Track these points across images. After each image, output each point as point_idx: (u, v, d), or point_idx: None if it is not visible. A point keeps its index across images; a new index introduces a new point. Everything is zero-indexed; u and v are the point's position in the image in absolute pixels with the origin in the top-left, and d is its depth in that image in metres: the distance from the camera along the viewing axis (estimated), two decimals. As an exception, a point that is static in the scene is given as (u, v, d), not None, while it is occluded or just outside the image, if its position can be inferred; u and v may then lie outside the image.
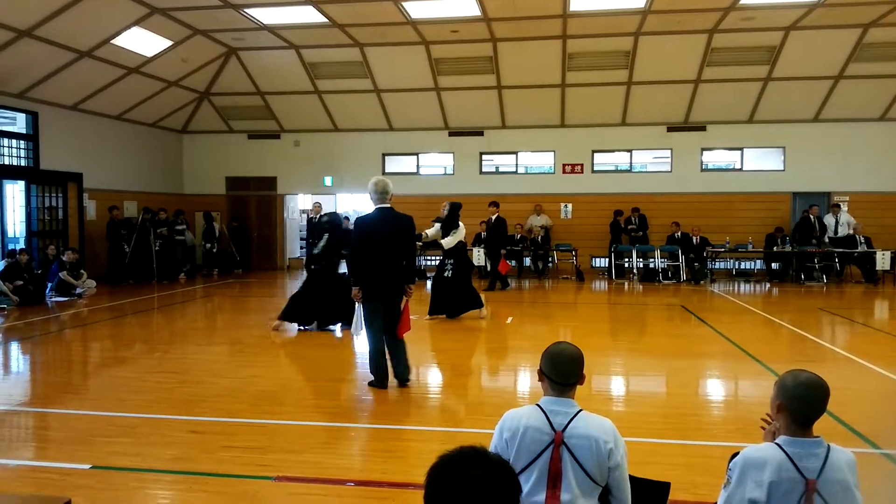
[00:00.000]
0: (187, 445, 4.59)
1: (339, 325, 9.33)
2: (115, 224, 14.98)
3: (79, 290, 12.62)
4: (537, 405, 2.72)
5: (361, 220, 6.12)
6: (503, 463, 1.55)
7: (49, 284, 12.48)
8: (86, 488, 3.86)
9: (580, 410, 2.69)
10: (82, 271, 13.10)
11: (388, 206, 6.08)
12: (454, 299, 10.24)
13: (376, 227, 5.99)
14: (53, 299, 12.26)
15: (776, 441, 2.45)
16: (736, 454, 2.92)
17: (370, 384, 6.15)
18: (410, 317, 6.31)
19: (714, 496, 3.64)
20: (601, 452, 2.59)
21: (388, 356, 6.13)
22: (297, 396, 6.11)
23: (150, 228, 15.47)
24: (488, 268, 14.56)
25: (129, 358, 7.72)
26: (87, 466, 4.16)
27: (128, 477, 4.02)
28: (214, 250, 16.92)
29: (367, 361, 6.17)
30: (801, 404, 2.39)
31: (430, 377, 6.97)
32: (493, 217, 13.77)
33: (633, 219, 16.34)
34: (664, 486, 3.06)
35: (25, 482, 3.96)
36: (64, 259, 12.79)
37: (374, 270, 5.94)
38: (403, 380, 6.16)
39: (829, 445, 2.38)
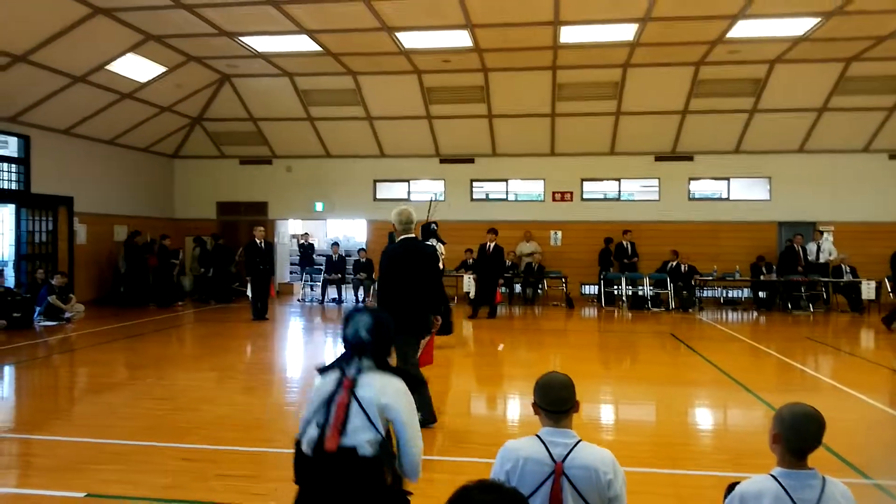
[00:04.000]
0: (180, 473, 4.57)
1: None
2: (135, 248, 15.55)
3: (68, 315, 12.52)
4: (536, 436, 2.76)
5: (387, 252, 5.87)
6: (516, 493, 1.60)
7: (37, 309, 12.38)
8: (80, 517, 3.84)
9: (579, 441, 2.73)
10: (71, 295, 13.02)
11: (413, 236, 5.92)
12: None
13: (400, 260, 5.77)
14: (42, 324, 12.16)
15: (771, 473, 2.49)
16: (732, 485, 2.96)
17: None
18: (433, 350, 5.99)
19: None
20: (601, 483, 2.62)
21: None
22: (290, 423, 6.08)
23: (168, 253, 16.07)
24: (471, 295, 14.43)
25: (120, 384, 7.67)
26: (82, 495, 4.13)
27: (122, 505, 4.01)
28: (210, 275, 16.63)
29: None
30: (797, 435, 2.44)
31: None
32: (492, 245, 13.77)
33: (625, 244, 16.44)
34: (660, 517, 3.10)
35: (18, 511, 3.93)
36: (53, 283, 12.71)
37: (401, 303, 5.70)
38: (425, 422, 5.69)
39: (824, 478, 2.43)
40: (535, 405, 2.82)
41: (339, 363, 2.68)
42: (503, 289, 16.16)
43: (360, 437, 2.51)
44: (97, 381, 7.95)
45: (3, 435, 5.59)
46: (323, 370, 2.72)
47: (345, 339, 2.70)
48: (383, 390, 2.56)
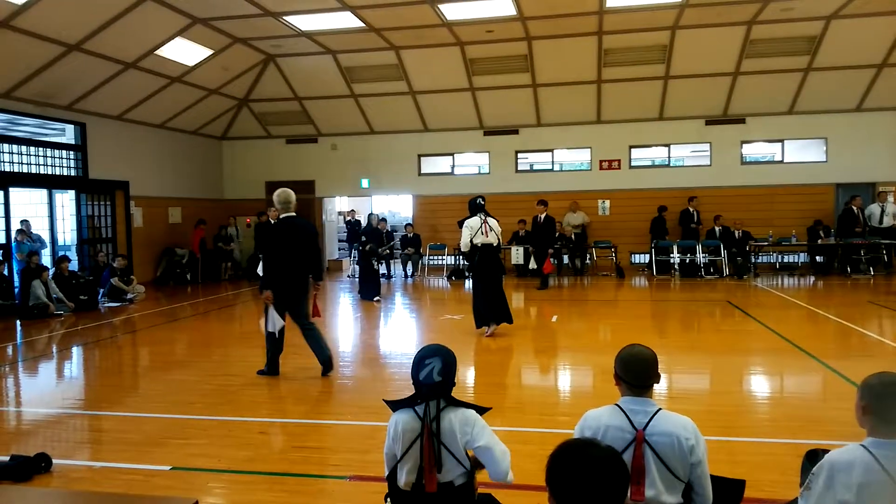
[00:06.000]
0: (259, 446, 4.74)
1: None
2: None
3: (130, 296, 12.97)
4: (616, 405, 2.80)
5: (272, 229, 6.69)
6: (614, 449, 1.77)
7: (101, 291, 12.84)
8: (172, 489, 4.02)
9: (660, 409, 2.76)
10: (132, 277, 13.47)
11: (294, 214, 6.81)
12: (487, 307, 8.99)
13: (286, 235, 6.65)
14: (106, 305, 12.61)
15: (862, 443, 2.44)
16: (811, 452, 2.94)
17: (262, 373, 6.81)
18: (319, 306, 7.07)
19: (782, 494, 3.67)
20: (683, 449, 2.65)
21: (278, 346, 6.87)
22: (358, 397, 6.23)
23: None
24: (530, 266, 14.48)
25: (189, 361, 7.94)
26: (168, 468, 4.33)
27: (207, 477, 4.18)
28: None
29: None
30: (889, 405, 2.39)
31: (485, 376, 7.05)
32: (542, 216, 13.73)
33: (690, 210, 16.08)
34: (739, 484, 3.10)
35: (113, 483, 4.13)
36: (115, 266, 13.16)
37: (285, 274, 6.60)
38: (326, 364, 6.79)
39: None
40: (616, 376, 2.85)
41: (413, 403, 2.87)
42: (553, 260, 16.09)
43: (454, 472, 2.80)
44: (168, 358, 8.24)
45: (90, 412, 5.86)
46: (394, 406, 2.94)
47: (417, 382, 2.86)
48: (463, 430, 2.80)
